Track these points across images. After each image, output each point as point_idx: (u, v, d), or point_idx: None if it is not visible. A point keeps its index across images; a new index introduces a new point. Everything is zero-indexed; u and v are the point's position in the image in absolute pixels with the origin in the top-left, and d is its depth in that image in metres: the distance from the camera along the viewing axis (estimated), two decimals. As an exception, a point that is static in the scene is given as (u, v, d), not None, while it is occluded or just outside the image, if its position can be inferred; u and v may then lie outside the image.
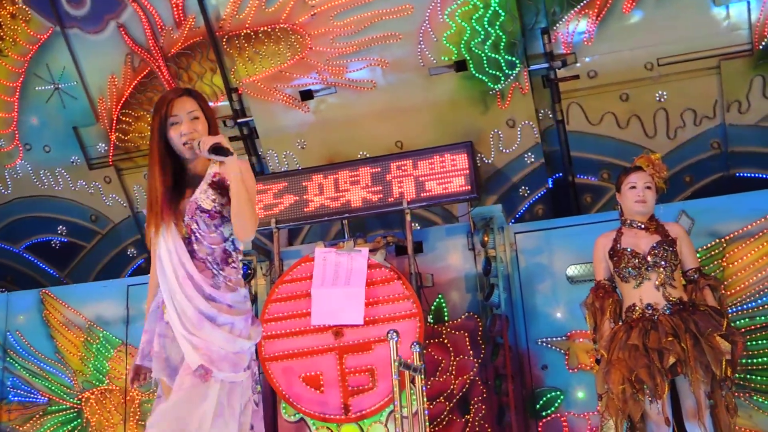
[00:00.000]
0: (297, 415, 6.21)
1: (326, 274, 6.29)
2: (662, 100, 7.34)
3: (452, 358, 6.46)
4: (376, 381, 6.02)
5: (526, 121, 7.52)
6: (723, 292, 4.85)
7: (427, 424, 5.32)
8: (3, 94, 8.59)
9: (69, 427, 7.62)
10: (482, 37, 7.26)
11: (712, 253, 6.19)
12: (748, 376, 5.90)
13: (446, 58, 7.39)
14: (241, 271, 3.51)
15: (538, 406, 6.33)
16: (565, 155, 7.70)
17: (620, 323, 4.60)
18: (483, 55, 7.32)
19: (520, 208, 7.79)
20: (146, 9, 7.98)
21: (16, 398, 7.79)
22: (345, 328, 6.17)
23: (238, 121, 8.13)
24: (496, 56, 7.30)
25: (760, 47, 6.98)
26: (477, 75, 7.38)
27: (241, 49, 7.81)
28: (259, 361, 6.24)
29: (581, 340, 6.29)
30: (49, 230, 9.16)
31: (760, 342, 5.95)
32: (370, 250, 6.36)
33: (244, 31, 7.74)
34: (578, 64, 7.38)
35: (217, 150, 3.30)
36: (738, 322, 5.91)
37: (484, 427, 6.25)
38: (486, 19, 7.21)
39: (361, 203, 6.82)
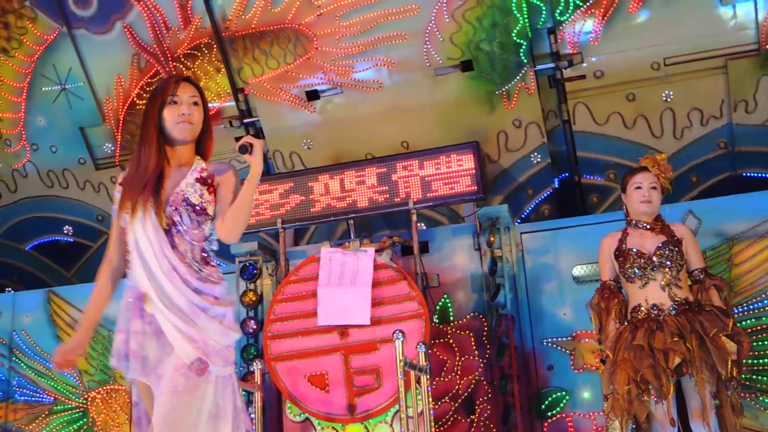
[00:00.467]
0: (302, 415, 6.22)
1: (332, 274, 6.29)
2: (669, 99, 7.32)
3: (458, 358, 6.46)
4: (381, 381, 6.02)
5: (533, 121, 7.51)
6: (729, 292, 4.84)
7: (433, 424, 5.32)
8: (10, 94, 8.62)
9: (75, 426, 7.63)
10: (488, 37, 7.26)
11: (719, 253, 6.17)
12: (754, 377, 5.88)
13: (452, 58, 7.39)
14: (220, 271, 3.40)
15: (543, 406, 6.32)
16: (572, 155, 7.69)
17: (626, 323, 4.60)
18: (489, 55, 7.31)
19: (527, 208, 7.77)
20: (153, 9, 8.00)
21: (22, 398, 7.80)
22: (351, 328, 6.17)
23: (244, 121, 8.14)
24: (503, 56, 7.29)
25: (767, 47, 6.97)
26: (483, 75, 7.38)
27: (247, 50, 7.82)
28: (264, 360, 6.25)
29: (587, 340, 6.27)
30: (55, 230, 9.18)
31: (766, 342, 5.93)
32: (376, 250, 6.37)
33: (250, 31, 7.74)
34: (585, 64, 7.37)
35: (242, 148, 3.31)
36: (744, 323, 5.89)
37: (490, 428, 6.24)
38: (492, 18, 7.20)
39: (367, 203, 6.82)
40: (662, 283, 4.50)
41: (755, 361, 5.87)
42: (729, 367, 4.23)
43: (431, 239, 6.84)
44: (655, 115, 7.40)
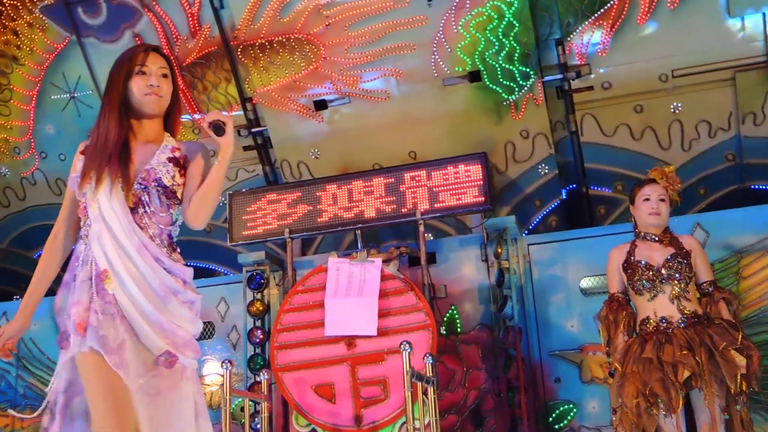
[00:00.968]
0: (309, 426, 6.20)
1: (339, 285, 6.29)
2: (677, 111, 7.32)
3: (465, 370, 6.44)
4: (388, 392, 6.01)
5: (540, 132, 7.50)
6: (738, 305, 4.82)
7: (440, 436, 5.30)
8: (19, 102, 8.65)
9: (82, 435, 7.62)
10: (496, 47, 7.26)
11: (727, 266, 6.16)
12: (764, 391, 5.85)
13: (460, 69, 7.40)
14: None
15: (551, 418, 6.30)
16: (579, 167, 7.69)
17: (634, 336, 4.58)
18: (497, 65, 7.32)
19: (534, 220, 7.77)
20: (162, 19, 8.02)
21: (29, 406, 7.81)
22: (358, 339, 6.16)
23: (252, 130, 8.16)
24: (510, 67, 7.30)
25: (776, 59, 6.97)
26: (491, 86, 7.38)
27: (255, 59, 7.83)
28: (271, 370, 6.25)
29: (594, 352, 6.26)
30: (63, 238, 9.18)
31: (775, 356, 5.90)
32: (384, 261, 6.36)
33: (259, 41, 7.76)
34: (592, 76, 7.38)
35: (217, 128, 3.10)
36: (753, 336, 5.87)
37: (497, 440, 6.23)
38: (500, 29, 7.21)
39: (374, 213, 6.82)
40: (671, 295, 4.48)
41: (765, 375, 5.84)
42: (738, 381, 4.21)
43: (439, 250, 6.83)
44: (663, 127, 7.40)
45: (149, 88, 3.13)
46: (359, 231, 6.94)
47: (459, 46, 7.32)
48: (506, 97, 7.41)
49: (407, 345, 5.03)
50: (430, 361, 5.31)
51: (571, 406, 6.28)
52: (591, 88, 7.40)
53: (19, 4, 8.31)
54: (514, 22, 7.15)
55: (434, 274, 6.61)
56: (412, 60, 7.47)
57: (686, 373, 4.23)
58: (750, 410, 4.51)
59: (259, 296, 7.04)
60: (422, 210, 6.70)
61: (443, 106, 7.54)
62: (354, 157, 7.84)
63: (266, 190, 7.34)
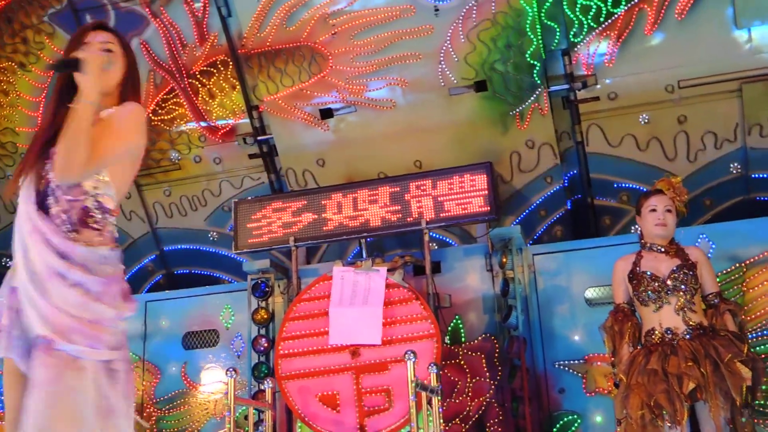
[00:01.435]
0: (313, 435, 6.19)
1: (344, 293, 6.28)
2: (683, 122, 7.31)
3: (469, 380, 6.43)
4: (392, 401, 5.99)
5: (546, 142, 7.50)
6: (743, 317, 4.81)
7: (443, 445, 5.29)
8: (26, 108, 8.67)
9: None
10: (503, 57, 7.27)
11: (732, 277, 6.15)
12: (769, 403, 5.84)
13: (466, 78, 7.40)
14: (110, 234, 2.91)
15: (555, 429, 6.28)
16: (585, 177, 7.68)
17: (639, 347, 4.57)
18: (503, 75, 7.32)
19: (539, 230, 7.76)
20: (169, 26, 8.05)
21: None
22: (362, 348, 6.15)
23: (258, 138, 8.17)
24: (517, 77, 7.30)
25: (783, 71, 6.96)
26: (497, 95, 7.38)
27: (262, 67, 7.85)
28: (275, 379, 6.24)
29: (599, 363, 6.25)
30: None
31: (780, 368, 5.88)
32: (388, 270, 6.36)
33: (266, 49, 7.78)
34: (599, 86, 7.38)
35: (58, 66, 2.87)
36: (758, 348, 5.85)
37: (501, 450, 6.21)
38: (507, 39, 7.22)
39: (379, 222, 6.83)
40: (676, 306, 4.47)
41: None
42: (743, 393, 4.20)
43: (443, 259, 6.83)
44: (669, 138, 7.39)
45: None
46: (364, 240, 6.94)
47: (465, 55, 7.33)
48: (512, 107, 7.42)
49: (411, 354, 5.03)
50: (435, 371, 5.30)
51: (576, 416, 6.26)
52: (597, 98, 7.40)
53: (28, 10, 8.34)
54: (521, 32, 7.16)
55: (439, 283, 6.60)
56: (418, 69, 7.47)
57: (691, 385, 4.22)
58: (756, 423, 4.50)
59: (263, 304, 7.04)
60: (427, 219, 6.70)
61: (449, 115, 7.55)
62: (359, 165, 7.85)
63: (271, 198, 7.35)
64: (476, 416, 6.33)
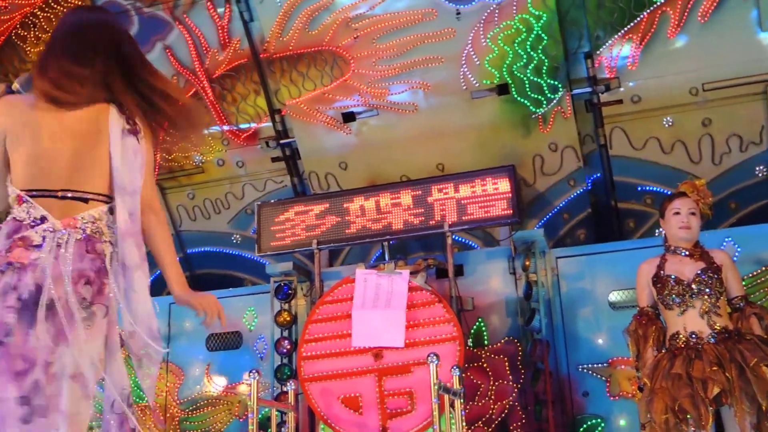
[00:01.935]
0: (335, 437, 6.20)
1: (367, 296, 6.30)
2: (707, 125, 7.26)
3: (491, 383, 6.42)
4: (415, 404, 5.99)
5: (569, 145, 7.48)
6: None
7: (466, 448, 5.29)
8: (52, 113, 8.75)
9: (109, 443, 7.67)
10: (525, 60, 7.26)
11: (759, 281, 6.10)
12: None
13: (488, 82, 7.40)
14: None
15: (578, 433, 6.26)
16: (608, 180, 7.65)
17: (663, 351, 4.54)
18: (525, 78, 7.31)
19: (562, 233, 7.74)
20: (192, 31, 8.11)
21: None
22: (385, 350, 6.16)
23: (281, 142, 8.21)
24: (539, 80, 7.29)
25: (808, 73, 6.90)
26: (519, 99, 7.37)
27: (284, 72, 7.89)
28: (298, 381, 6.26)
29: (623, 367, 6.21)
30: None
31: (807, 373, 5.82)
32: (411, 273, 6.36)
33: (288, 53, 7.82)
34: (622, 89, 7.35)
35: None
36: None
37: (524, 453, 6.19)
38: (529, 43, 7.21)
39: (402, 225, 6.84)
40: (701, 310, 4.43)
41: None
42: (770, 397, 4.16)
43: (466, 262, 6.83)
44: (693, 141, 7.35)
45: None
46: (387, 243, 6.95)
47: (487, 58, 7.33)
48: (534, 110, 7.41)
49: (434, 357, 5.04)
50: (458, 374, 5.30)
51: (599, 420, 6.23)
52: (620, 101, 7.37)
53: (52, 16, 8.43)
54: (543, 35, 7.15)
55: (462, 286, 6.60)
56: (440, 73, 7.48)
57: (716, 390, 4.18)
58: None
59: (286, 306, 7.07)
60: (450, 222, 6.70)
61: (471, 118, 7.54)
62: (382, 169, 7.86)
63: (294, 201, 7.38)
64: (499, 419, 6.32)
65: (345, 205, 7.03)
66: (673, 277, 4.53)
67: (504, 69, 7.33)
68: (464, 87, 7.46)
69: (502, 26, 7.23)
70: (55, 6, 8.33)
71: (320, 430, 6.30)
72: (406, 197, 6.90)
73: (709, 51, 7.05)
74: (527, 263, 6.47)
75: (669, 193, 4.93)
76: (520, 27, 7.20)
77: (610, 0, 7.16)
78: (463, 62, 7.39)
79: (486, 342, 6.57)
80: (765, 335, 4.45)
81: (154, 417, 7.53)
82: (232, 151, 8.45)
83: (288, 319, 7.03)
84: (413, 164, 7.73)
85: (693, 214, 4.64)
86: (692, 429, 4.21)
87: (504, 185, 6.70)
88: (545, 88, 7.32)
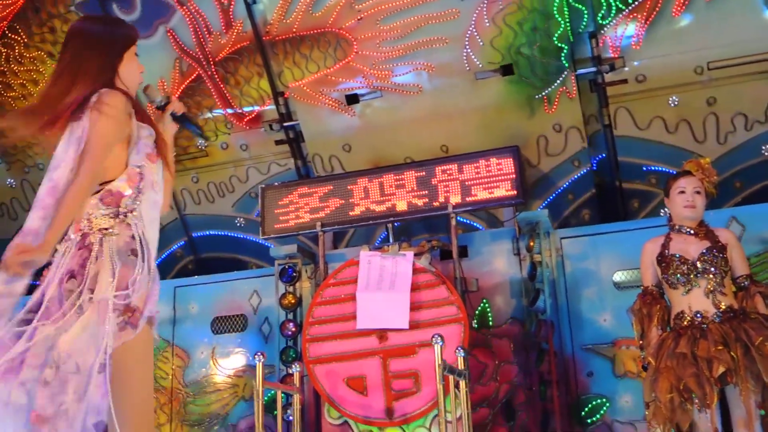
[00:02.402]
0: (341, 418, 6.23)
1: (371, 278, 6.30)
2: (712, 104, 7.23)
3: (496, 364, 6.43)
4: (420, 385, 6.02)
5: (573, 126, 7.45)
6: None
7: (471, 429, 5.30)
8: (55, 97, 8.73)
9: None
10: (529, 41, 7.22)
11: (764, 260, 6.08)
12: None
13: (492, 63, 7.37)
14: None
15: (583, 413, 6.27)
16: (613, 160, 7.62)
17: (668, 330, 4.53)
18: (530, 59, 7.28)
19: (566, 213, 7.72)
20: (195, 14, 8.08)
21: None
22: (389, 332, 6.18)
23: (285, 124, 8.19)
24: (543, 60, 7.25)
25: (814, 51, 6.85)
26: (523, 79, 7.34)
27: (287, 54, 7.87)
28: (303, 363, 6.28)
29: (627, 346, 6.21)
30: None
31: (812, 351, 5.81)
32: (415, 254, 6.37)
33: (291, 35, 7.79)
34: (626, 69, 7.31)
35: (183, 119, 3.24)
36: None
37: (529, 434, 6.21)
38: (533, 23, 7.17)
39: (406, 207, 6.83)
40: (706, 289, 4.42)
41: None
42: (775, 376, 4.15)
43: (470, 244, 6.83)
44: (698, 120, 7.31)
45: (141, 78, 3.25)
46: (391, 224, 6.95)
47: (491, 39, 7.29)
48: (539, 90, 7.37)
49: (439, 338, 5.04)
50: (462, 355, 5.31)
51: (604, 400, 6.24)
52: (625, 81, 7.33)
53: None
54: (547, 14, 7.10)
55: (466, 267, 6.60)
56: (444, 54, 7.45)
57: (721, 369, 4.17)
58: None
59: (291, 289, 7.08)
60: (454, 203, 6.69)
61: (475, 99, 7.52)
62: (386, 151, 7.85)
63: (298, 183, 7.38)
64: (504, 400, 6.34)
65: (349, 188, 7.02)
66: (677, 256, 4.51)
67: (508, 49, 7.29)
68: (468, 68, 7.43)
69: (505, 6, 7.18)
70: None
71: (326, 412, 6.32)
72: (410, 179, 6.89)
73: (714, 30, 7.00)
74: (531, 244, 6.46)
75: (674, 173, 4.90)
76: (524, 7, 7.15)
77: (615, -21, 7.12)
78: (467, 43, 7.36)
79: (490, 323, 6.58)
80: (770, 314, 4.44)
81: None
82: (236, 134, 8.44)
83: (293, 301, 7.04)
84: (417, 146, 7.71)
85: (698, 192, 4.62)
86: (697, 408, 4.22)
87: (508, 166, 6.68)
88: (549, 69, 7.28)
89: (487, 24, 7.27)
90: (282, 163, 8.49)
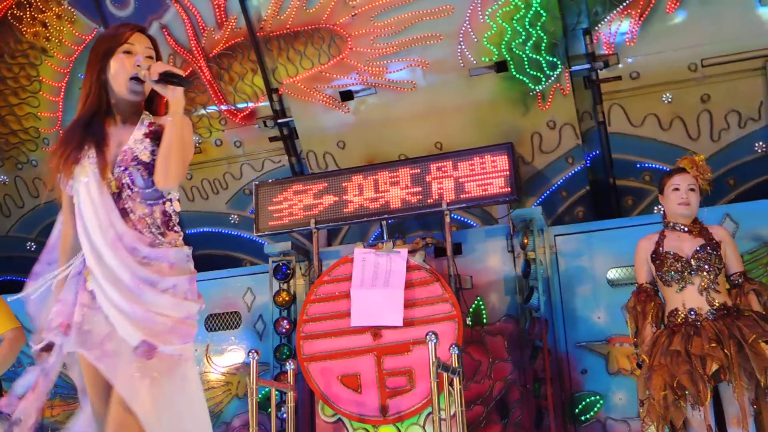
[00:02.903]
0: (335, 416, 6.22)
1: (365, 275, 6.29)
2: (706, 101, 7.23)
3: (490, 361, 6.43)
4: (414, 383, 6.01)
5: (567, 123, 7.45)
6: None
7: (466, 426, 5.30)
8: (48, 93, 8.72)
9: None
10: (523, 37, 7.21)
11: (757, 257, 6.09)
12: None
13: (487, 59, 7.36)
14: (182, 234, 3.08)
15: (577, 410, 6.28)
16: (607, 157, 7.62)
17: (662, 328, 4.54)
18: (524, 55, 7.27)
19: (560, 210, 7.72)
20: (189, 10, 8.05)
21: (59, 394, 7.89)
22: (384, 330, 6.17)
23: (279, 121, 8.17)
24: (537, 57, 7.24)
25: (808, 48, 6.86)
26: (518, 76, 7.33)
27: (281, 50, 7.85)
28: (297, 360, 6.27)
29: (621, 344, 6.22)
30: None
31: (806, 349, 5.82)
32: (409, 252, 6.36)
33: (285, 31, 7.77)
34: (620, 65, 7.31)
35: (170, 76, 2.94)
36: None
37: (523, 431, 6.21)
38: (527, 19, 7.16)
39: (400, 204, 6.82)
40: (700, 287, 4.43)
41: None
42: (768, 374, 4.16)
43: (464, 241, 6.82)
44: (692, 117, 7.31)
45: (135, 68, 3.01)
46: (385, 222, 6.94)
47: (485, 36, 7.28)
48: (533, 87, 7.37)
49: (433, 336, 5.03)
50: (456, 352, 5.31)
51: (598, 397, 6.25)
52: (619, 77, 7.33)
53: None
54: (541, 11, 7.09)
55: (460, 265, 6.60)
56: (438, 50, 7.44)
57: (715, 366, 4.18)
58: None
59: (285, 286, 7.07)
60: (448, 201, 6.68)
61: (469, 96, 7.51)
62: (380, 147, 7.84)
63: (292, 180, 7.36)
64: (498, 397, 6.34)
65: (343, 185, 7.01)
66: (671, 253, 4.52)
67: (502, 46, 7.28)
68: (462, 65, 7.42)
69: (500, 2, 7.17)
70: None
71: (320, 410, 6.32)
72: (404, 176, 6.88)
73: (708, 26, 7.01)
74: (525, 241, 6.46)
75: (668, 170, 4.90)
76: (519, 3, 7.14)
77: (608, -25, 7.12)
78: (461, 40, 7.35)
79: (485, 320, 6.58)
80: (764, 311, 4.45)
81: None
82: (230, 130, 8.41)
83: (287, 298, 7.03)
84: (411, 143, 7.70)
85: (692, 190, 4.62)
86: (690, 405, 4.22)
87: (502, 163, 6.67)
88: (544, 65, 7.28)
89: (482, 20, 7.26)
90: (276, 159, 8.47)
